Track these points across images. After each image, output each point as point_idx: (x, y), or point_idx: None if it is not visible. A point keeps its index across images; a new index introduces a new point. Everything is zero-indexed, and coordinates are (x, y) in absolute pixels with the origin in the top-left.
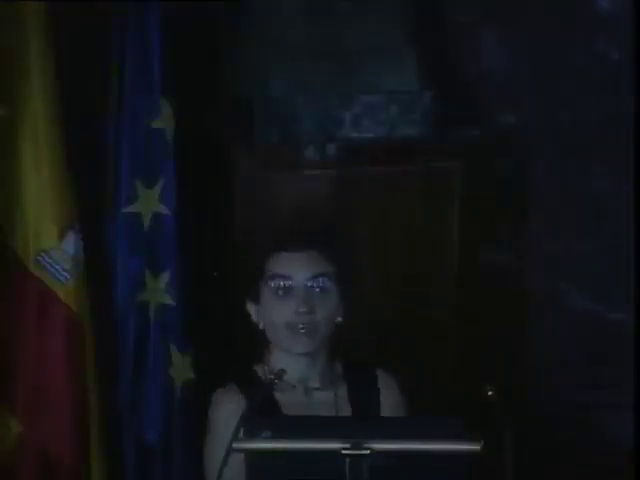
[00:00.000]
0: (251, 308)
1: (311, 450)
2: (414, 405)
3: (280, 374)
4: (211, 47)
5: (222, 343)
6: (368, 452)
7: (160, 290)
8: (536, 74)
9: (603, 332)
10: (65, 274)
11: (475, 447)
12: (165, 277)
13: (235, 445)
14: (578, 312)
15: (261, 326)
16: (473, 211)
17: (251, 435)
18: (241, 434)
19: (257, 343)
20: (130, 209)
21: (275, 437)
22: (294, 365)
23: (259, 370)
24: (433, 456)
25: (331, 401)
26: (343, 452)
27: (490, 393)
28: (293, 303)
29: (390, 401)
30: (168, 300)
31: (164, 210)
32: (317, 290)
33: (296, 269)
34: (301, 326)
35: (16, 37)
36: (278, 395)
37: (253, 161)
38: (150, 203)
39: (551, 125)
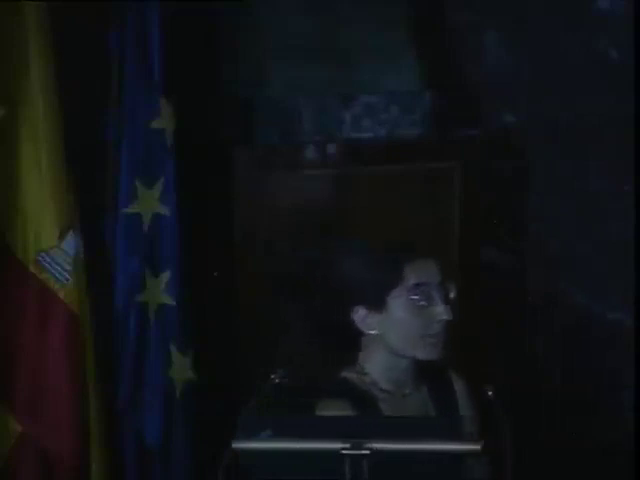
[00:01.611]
0: (364, 315)
1: (311, 450)
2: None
3: (280, 374)
4: (211, 47)
5: (222, 343)
6: (368, 452)
7: (160, 290)
8: (536, 74)
9: (603, 332)
10: (65, 274)
11: (475, 447)
12: (165, 277)
13: (235, 445)
14: (578, 312)
15: (374, 332)
16: (473, 211)
17: (251, 435)
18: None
19: (348, 348)
20: (130, 209)
21: (275, 437)
22: (393, 370)
23: (351, 376)
24: (433, 456)
25: (420, 403)
26: (343, 452)
27: (490, 393)
28: (433, 312)
29: (463, 402)
30: (168, 300)
31: (164, 210)
32: (448, 294)
33: (431, 276)
34: (436, 335)
35: (16, 37)
36: (381, 405)
37: (253, 161)
38: (150, 203)
39: (551, 125)
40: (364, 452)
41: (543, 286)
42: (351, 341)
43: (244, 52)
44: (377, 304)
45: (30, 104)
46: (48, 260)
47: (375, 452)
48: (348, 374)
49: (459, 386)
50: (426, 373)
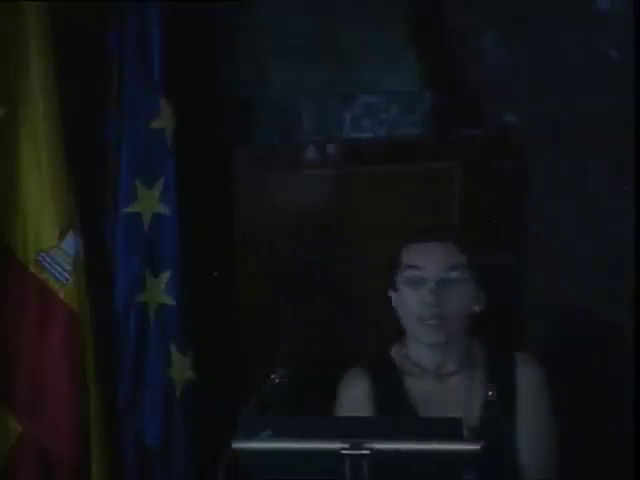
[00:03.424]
0: (391, 294)
1: (311, 450)
2: None
3: (280, 375)
4: (211, 47)
5: (222, 343)
6: (368, 452)
7: (160, 290)
8: (536, 74)
9: (603, 332)
10: (65, 274)
11: (475, 447)
12: (165, 277)
13: (235, 445)
14: (578, 312)
15: (399, 312)
16: (473, 211)
17: (251, 435)
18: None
19: (396, 327)
20: (130, 209)
21: (275, 437)
22: (428, 351)
23: (395, 353)
24: (433, 456)
25: (462, 388)
26: (343, 452)
27: (490, 393)
28: (424, 295)
29: (526, 388)
30: (168, 300)
31: (164, 210)
32: (450, 282)
33: (429, 260)
34: (430, 319)
35: (16, 37)
36: (409, 380)
37: (253, 161)
38: (150, 203)
39: (551, 125)
40: (364, 452)
41: (543, 286)
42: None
43: (244, 52)
44: (392, 285)
45: (30, 104)
46: (48, 260)
47: (375, 452)
48: (394, 350)
49: (524, 373)
50: (490, 356)
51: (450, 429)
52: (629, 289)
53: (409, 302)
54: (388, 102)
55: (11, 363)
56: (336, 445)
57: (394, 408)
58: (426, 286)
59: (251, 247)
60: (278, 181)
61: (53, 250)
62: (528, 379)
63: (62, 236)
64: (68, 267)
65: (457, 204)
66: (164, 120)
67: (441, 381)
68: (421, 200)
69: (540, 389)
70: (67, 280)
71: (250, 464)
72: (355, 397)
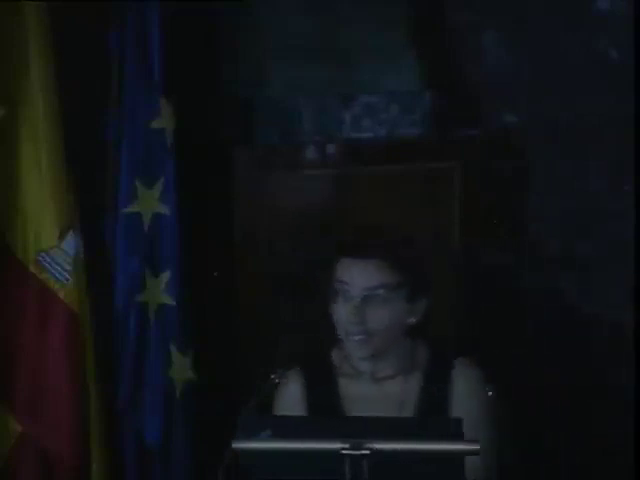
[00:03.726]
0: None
1: (311, 450)
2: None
3: (279, 374)
4: (211, 47)
5: (222, 343)
6: (368, 452)
7: (160, 290)
8: (536, 74)
9: (603, 332)
10: (65, 274)
11: (475, 447)
12: (165, 277)
13: (235, 445)
14: (578, 312)
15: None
16: (473, 211)
17: (251, 435)
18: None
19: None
20: (130, 209)
21: (275, 437)
22: (361, 360)
23: (336, 355)
24: (433, 456)
25: (398, 390)
26: (343, 452)
27: (490, 393)
28: (349, 311)
29: (463, 392)
30: (168, 300)
31: (164, 210)
32: (375, 300)
33: (355, 278)
34: (354, 335)
35: (16, 37)
36: (346, 382)
37: (253, 161)
38: (150, 203)
39: (551, 125)
40: (364, 452)
41: (543, 286)
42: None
43: (244, 52)
44: (330, 295)
45: (30, 104)
46: (48, 260)
47: (375, 452)
48: (335, 352)
49: (461, 387)
50: (429, 361)
51: (450, 429)
52: (629, 289)
53: (338, 316)
54: (388, 102)
55: (11, 363)
56: (336, 445)
57: (326, 410)
58: (351, 302)
59: (251, 247)
60: (278, 181)
61: (53, 250)
62: (464, 382)
63: (62, 236)
64: (68, 267)
65: (457, 204)
66: (164, 120)
67: (378, 385)
68: (421, 200)
69: (476, 392)
70: (67, 280)
71: (250, 464)
72: (288, 397)
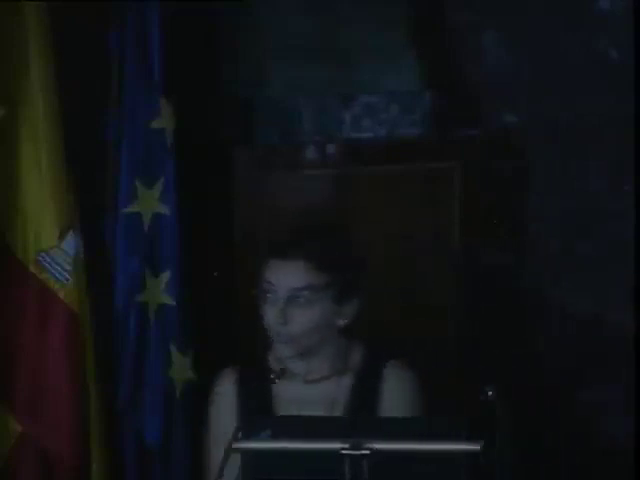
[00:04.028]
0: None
1: (311, 450)
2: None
3: (282, 373)
4: (211, 47)
5: (222, 343)
6: (368, 452)
7: (160, 290)
8: (536, 74)
9: (603, 332)
10: (65, 274)
11: (475, 447)
12: (165, 277)
13: (235, 445)
14: (578, 312)
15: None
16: (473, 211)
17: (251, 435)
18: (240, 434)
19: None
20: (130, 209)
21: (275, 437)
22: (290, 361)
23: (271, 356)
24: (433, 456)
25: (331, 392)
26: (343, 452)
27: (490, 393)
28: (275, 312)
29: (394, 392)
30: (168, 300)
31: (164, 210)
32: (299, 302)
33: (280, 279)
34: (279, 336)
35: (16, 37)
36: (279, 383)
37: (253, 161)
38: (150, 203)
39: (551, 125)
40: (364, 452)
41: (543, 286)
42: None
43: (244, 52)
44: (259, 296)
45: (30, 104)
46: (48, 260)
47: (375, 452)
48: (271, 352)
49: (391, 385)
50: (361, 362)
51: (450, 429)
52: (629, 289)
53: (264, 315)
54: (388, 102)
55: (11, 363)
56: (336, 445)
57: (258, 411)
58: (276, 304)
59: (251, 247)
60: (278, 181)
61: (53, 250)
62: (395, 382)
63: (62, 236)
64: (68, 267)
65: (457, 204)
66: (164, 120)
67: (310, 386)
68: (421, 200)
69: (407, 392)
70: (67, 280)
71: (250, 464)
72: (221, 397)
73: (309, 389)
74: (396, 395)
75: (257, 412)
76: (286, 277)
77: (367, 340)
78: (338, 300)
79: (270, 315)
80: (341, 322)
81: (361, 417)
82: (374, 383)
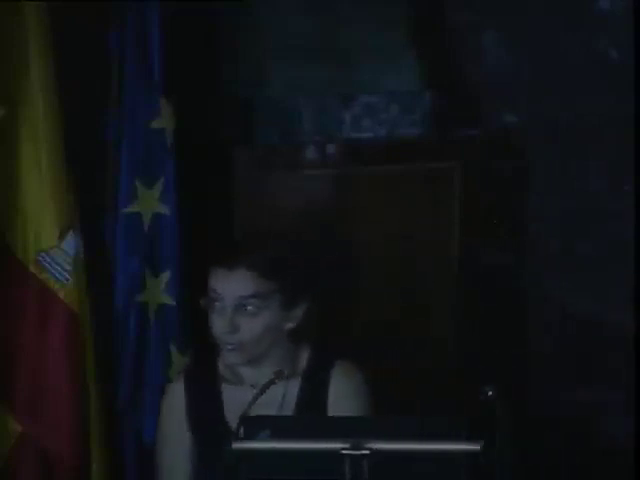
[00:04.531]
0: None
1: (311, 450)
2: (414, 405)
3: (279, 373)
4: (211, 47)
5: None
6: (368, 452)
7: (160, 290)
8: (536, 74)
9: (603, 332)
10: (65, 274)
11: (475, 447)
12: (165, 277)
13: (235, 445)
14: (578, 312)
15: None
16: (473, 211)
17: (251, 435)
18: (241, 434)
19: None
20: (130, 209)
21: (275, 437)
22: (239, 367)
23: (220, 362)
24: (433, 456)
25: (279, 394)
26: (343, 452)
27: (490, 393)
28: (222, 320)
29: (341, 390)
30: (168, 300)
31: (164, 210)
32: (246, 310)
33: (226, 288)
34: (228, 345)
35: (16, 37)
36: (229, 389)
37: (253, 161)
38: (150, 203)
39: (551, 125)
40: (364, 452)
41: (543, 286)
42: None
43: (244, 52)
44: (206, 305)
45: (30, 104)
46: (48, 260)
47: (375, 452)
48: (220, 358)
49: (338, 387)
50: (309, 364)
51: (450, 429)
52: (629, 289)
53: (212, 324)
54: (388, 102)
55: (11, 363)
56: (336, 445)
57: (207, 418)
58: (223, 313)
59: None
60: (278, 181)
61: (53, 250)
62: (343, 382)
63: (62, 236)
64: (68, 267)
65: (457, 204)
66: (164, 120)
67: (250, 392)
68: (421, 200)
69: (355, 392)
70: (67, 280)
71: (250, 464)
72: (171, 405)
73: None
74: (342, 395)
75: (206, 415)
76: (232, 286)
77: (314, 342)
78: (286, 305)
79: (218, 324)
80: (289, 326)
81: (361, 417)
82: (321, 385)
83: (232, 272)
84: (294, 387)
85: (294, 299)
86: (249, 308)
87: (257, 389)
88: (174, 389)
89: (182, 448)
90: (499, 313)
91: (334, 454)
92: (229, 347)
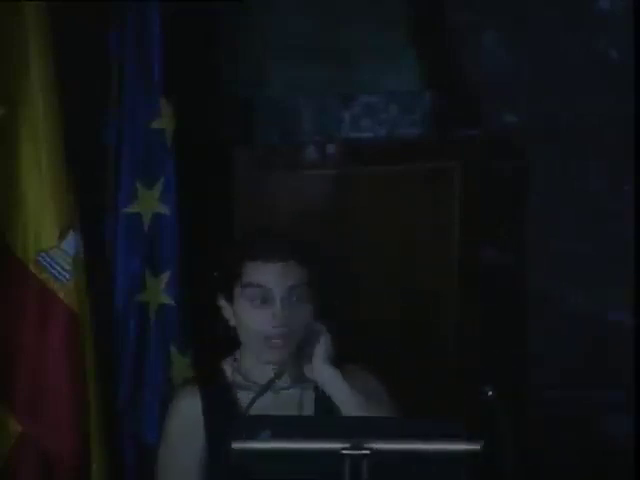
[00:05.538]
0: (223, 304)
1: (311, 450)
2: (414, 405)
3: (280, 373)
4: (211, 47)
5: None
6: (368, 452)
7: (160, 290)
8: (536, 74)
9: (603, 332)
10: (65, 274)
11: (475, 447)
12: (165, 277)
13: (235, 445)
14: (578, 312)
15: (232, 323)
16: (473, 211)
17: (251, 435)
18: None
19: (227, 338)
20: (130, 209)
21: (275, 437)
22: (264, 368)
23: (227, 367)
24: (433, 456)
25: (296, 399)
26: (343, 452)
27: (490, 393)
28: (270, 315)
29: (350, 405)
30: (168, 300)
31: (164, 210)
32: (293, 300)
33: (274, 280)
34: (277, 339)
35: (16, 37)
36: (243, 395)
37: (253, 161)
38: (150, 203)
39: (551, 125)
40: (364, 452)
41: (543, 286)
42: (229, 332)
43: (244, 52)
44: (227, 296)
45: (30, 104)
46: (48, 260)
47: (375, 452)
48: (225, 363)
49: (352, 380)
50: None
51: (450, 429)
52: (629, 289)
53: (252, 320)
54: (388, 102)
55: (11, 363)
56: (336, 445)
57: (227, 425)
58: (272, 305)
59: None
60: (278, 181)
61: (53, 250)
62: (359, 385)
63: (62, 236)
64: (68, 267)
65: (457, 204)
66: (164, 120)
67: (276, 395)
68: (421, 200)
69: (372, 393)
70: (67, 280)
71: (250, 464)
72: (188, 417)
73: (276, 397)
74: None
75: (226, 426)
76: (280, 278)
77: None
78: (314, 299)
79: (264, 319)
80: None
81: (361, 417)
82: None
83: (280, 264)
84: (310, 391)
85: (318, 293)
86: (297, 297)
87: (271, 390)
88: (187, 408)
89: (192, 453)
90: (499, 313)
91: (334, 454)
92: (276, 341)
